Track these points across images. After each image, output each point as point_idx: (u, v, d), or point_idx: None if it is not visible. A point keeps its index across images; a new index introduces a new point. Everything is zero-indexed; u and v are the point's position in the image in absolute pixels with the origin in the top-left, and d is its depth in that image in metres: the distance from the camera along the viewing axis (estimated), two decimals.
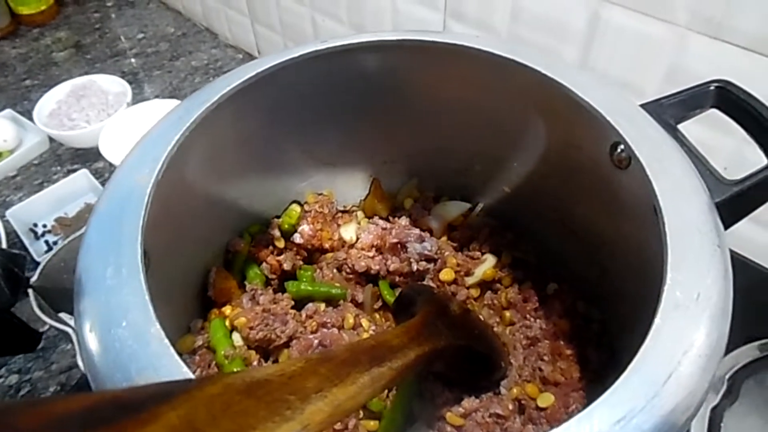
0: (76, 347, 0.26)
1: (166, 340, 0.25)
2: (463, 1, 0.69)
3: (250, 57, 1.08)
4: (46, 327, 0.31)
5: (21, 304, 0.30)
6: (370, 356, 0.27)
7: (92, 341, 0.26)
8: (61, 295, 0.31)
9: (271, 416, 0.18)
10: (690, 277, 0.27)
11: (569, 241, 0.48)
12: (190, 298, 0.45)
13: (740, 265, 0.59)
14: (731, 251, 0.59)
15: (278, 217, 0.52)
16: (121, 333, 0.25)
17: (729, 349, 0.50)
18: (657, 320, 0.25)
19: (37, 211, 0.81)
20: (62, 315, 0.31)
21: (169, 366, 0.24)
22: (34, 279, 0.31)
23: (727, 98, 0.37)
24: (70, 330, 0.29)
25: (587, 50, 0.61)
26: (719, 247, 0.28)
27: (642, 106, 0.38)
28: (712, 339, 0.25)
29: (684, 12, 0.53)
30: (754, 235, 0.61)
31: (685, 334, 0.25)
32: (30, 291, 0.31)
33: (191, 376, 0.24)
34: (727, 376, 0.50)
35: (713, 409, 0.49)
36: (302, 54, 0.41)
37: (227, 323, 0.43)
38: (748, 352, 0.51)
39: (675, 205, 0.30)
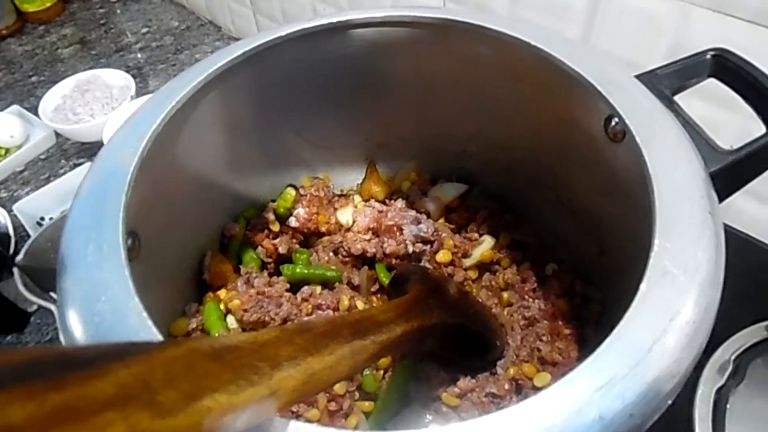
0: (58, 324, 0.26)
1: (145, 313, 0.25)
2: None
3: None
4: (35, 308, 0.31)
5: (6, 284, 0.30)
6: (352, 329, 0.26)
7: (72, 317, 0.26)
8: (49, 275, 0.31)
9: (236, 380, 0.18)
10: (679, 245, 0.26)
11: (567, 221, 0.47)
12: (185, 281, 0.45)
13: (748, 246, 0.59)
14: (741, 232, 0.58)
15: (274, 200, 0.52)
16: (101, 307, 0.25)
17: (735, 329, 0.50)
18: (642, 287, 0.25)
19: (43, 204, 0.82)
20: (52, 294, 0.31)
21: (147, 338, 0.24)
22: (19, 258, 0.32)
23: (725, 66, 0.36)
24: (53, 308, 0.29)
25: (589, 29, 0.60)
26: (710, 215, 0.27)
27: (637, 77, 0.37)
28: (700, 307, 0.25)
29: None
30: (764, 216, 0.60)
31: (672, 301, 0.24)
32: (15, 270, 0.31)
33: None
34: (733, 357, 0.49)
35: (719, 390, 0.48)
36: (290, 32, 0.40)
37: (222, 306, 0.43)
38: (754, 332, 0.50)
39: (665, 173, 0.29)
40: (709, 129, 0.36)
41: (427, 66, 0.47)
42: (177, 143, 0.38)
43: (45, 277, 0.31)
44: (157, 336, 0.24)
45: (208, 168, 0.44)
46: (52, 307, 0.29)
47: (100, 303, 0.25)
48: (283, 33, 0.40)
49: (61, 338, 0.26)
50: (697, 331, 0.24)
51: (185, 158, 0.40)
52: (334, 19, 0.42)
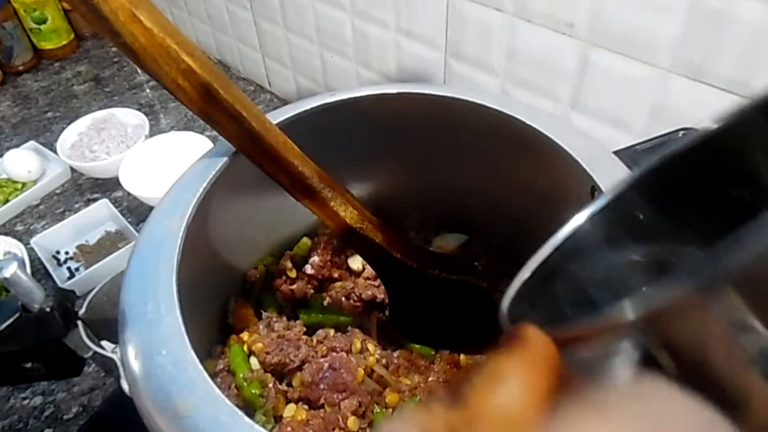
0: (121, 372, 0.30)
1: (200, 366, 0.29)
2: (462, 43, 0.73)
3: (261, 89, 1.14)
4: (89, 353, 0.35)
5: (70, 334, 0.35)
6: None
7: (136, 367, 0.30)
8: (105, 326, 0.35)
9: None
10: None
11: None
12: (211, 325, 0.49)
13: None
14: None
15: (290, 249, 0.57)
16: (162, 360, 0.30)
17: None
18: None
19: (59, 239, 0.85)
20: (104, 343, 0.36)
21: (203, 387, 0.29)
22: (82, 311, 0.36)
23: None
24: (115, 357, 0.33)
25: (578, 89, 0.66)
26: None
27: (616, 152, 0.42)
28: None
29: (666, 55, 0.57)
30: None
31: None
32: (79, 322, 0.35)
33: (223, 397, 0.28)
34: None
35: None
36: (314, 107, 0.46)
37: (245, 348, 0.47)
38: None
39: None
40: None
41: (432, 132, 0.52)
42: (215, 205, 0.42)
43: (101, 327, 0.36)
44: (212, 386, 0.29)
45: (237, 223, 0.48)
46: (114, 356, 0.33)
47: (161, 356, 0.30)
48: (308, 107, 0.45)
49: (124, 386, 0.30)
50: None
51: (220, 217, 0.45)
52: (352, 95, 0.47)
